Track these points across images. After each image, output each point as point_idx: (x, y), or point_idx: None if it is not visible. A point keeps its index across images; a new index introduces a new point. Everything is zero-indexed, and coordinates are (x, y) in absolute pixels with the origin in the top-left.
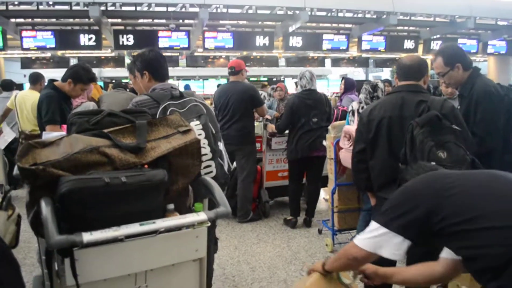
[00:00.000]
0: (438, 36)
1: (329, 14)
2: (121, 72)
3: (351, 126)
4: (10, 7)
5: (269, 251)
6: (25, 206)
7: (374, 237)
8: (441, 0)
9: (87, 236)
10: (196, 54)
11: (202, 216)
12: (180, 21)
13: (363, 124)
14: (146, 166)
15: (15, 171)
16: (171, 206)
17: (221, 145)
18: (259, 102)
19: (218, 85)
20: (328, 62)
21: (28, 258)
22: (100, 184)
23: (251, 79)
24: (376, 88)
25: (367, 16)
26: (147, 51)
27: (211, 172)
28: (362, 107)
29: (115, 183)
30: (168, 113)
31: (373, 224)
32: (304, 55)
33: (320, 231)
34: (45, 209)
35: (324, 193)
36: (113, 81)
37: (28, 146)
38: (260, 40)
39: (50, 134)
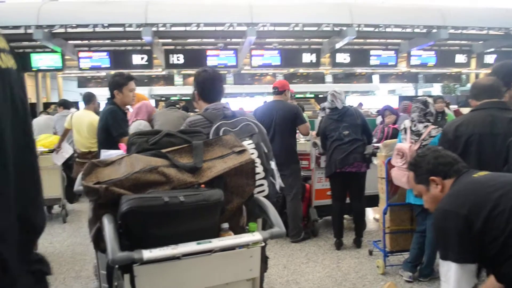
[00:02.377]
0: (492, 49)
1: (376, 30)
2: (171, 90)
3: (404, 144)
4: (69, 30)
5: (319, 271)
6: (87, 221)
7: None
8: (495, 12)
9: (147, 254)
10: (243, 71)
11: (257, 236)
12: (228, 40)
13: (448, 140)
14: (202, 185)
15: (76, 186)
16: (225, 225)
17: (272, 164)
18: (301, 120)
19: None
20: (375, 78)
21: (83, 270)
22: (160, 203)
23: (297, 95)
24: (427, 103)
25: (416, 30)
26: (200, 71)
27: (264, 191)
28: (415, 125)
29: (174, 202)
30: (220, 132)
31: (444, 264)
32: (351, 71)
33: (370, 252)
34: (108, 226)
35: (374, 213)
36: (163, 98)
37: (92, 165)
38: (307, 57)
39: (108, 152)
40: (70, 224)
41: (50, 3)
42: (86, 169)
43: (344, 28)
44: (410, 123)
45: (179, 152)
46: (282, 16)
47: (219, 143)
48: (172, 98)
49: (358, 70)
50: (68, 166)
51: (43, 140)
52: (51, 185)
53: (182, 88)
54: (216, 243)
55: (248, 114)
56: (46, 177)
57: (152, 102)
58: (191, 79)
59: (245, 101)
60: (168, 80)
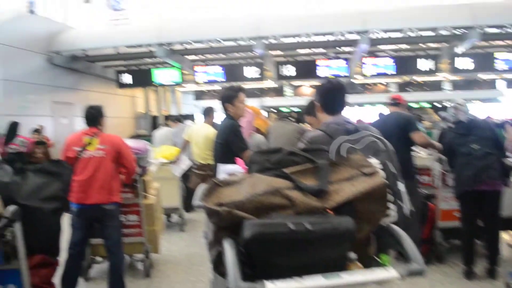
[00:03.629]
0: None
1: (502, 31)
2: (281, 101)
3: None
4: (186, 46)
5: None
6: (208, 243)
7: None
8: None
9: (270, 286)
10: (353, 81)
11: (392, 272)
12: (339, 49)
13: None
14: (329, 211)
15: (195, 201)
16: (353, 255)
17: (401, 186)
18: (412, 127)
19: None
20: (500, 83)
21: (199, 282)
22: (285, 230)
23: (411, 104)
24: None
25: None
26: (324, 82)
27: (391, 216)
28: None
29: (300, 230)
30: (342, 149)
31: None
32: (473, 77)
33: (508, 286)
34: (229, 252)
35: (510, 238)
36: (274, 110)
37: (213, 185)
38: (424, 64)
39: (225, 167)
40: (188, 233)
41: (169, 23)
42: (207, 189)
43: (465, 31)
44: None
45: (302, 172)
46: (395, 22)
47: (346, 163)
48: (282, 109)
49: (481, 76)
50: (185, 176)
51: (165, 151)
52: (170, 195)
53: (292, 99)
54: (346, 278)
55: (372, 129)
56: (165, 187)
57: (264, 114)
58: (301, 89)
59: (354, 111)
60: (278, 92)
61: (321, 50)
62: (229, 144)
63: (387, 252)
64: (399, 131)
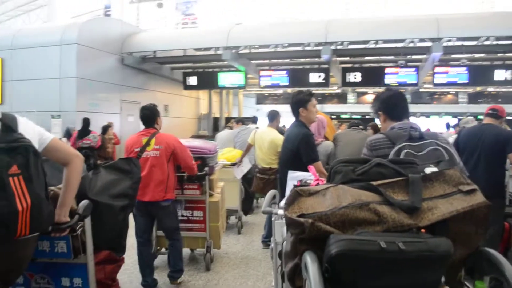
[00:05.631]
0: None
1: None
2: (343, 108)
3: None
4: (252, 50)
5: None
6: (283, 255)
7: None
8: None
9: None
10: (421, 90)
11: None
12: (409, 56)
13: None
14: (423, 230)
15: (264, 207)
16: (442, 279)
17: None
18: None
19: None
20: None
21: (256, 287)
22: (375, 248)
23: (481, 117)
24: None
25: None
26: (384, 90)
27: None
28: None
29: (392, 249)
30: (402, 155)
31: None
32: None
33: None
34: (312, 267)
35: None
36: (333, 116)
37: (295, 194)
38: (500, 74)
39: (295, 174)
40: (244, 236)
41: (237, 27)
42: (289, 198)
43: None
44: None
45: (391, 186)
46: (471, 29)
47: (440, 178)
48: (342, 116)
49: None
50: (246, 180)
51: (227, 154)
52: (230, 197)
53: (354, 106)
54: None
55: (440, 137)
56: (226, 188)
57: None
58: (365, 97)
59: (419, 121)
60: (341, 98)
61: (390, 57)
62: (299, 152)
63: (482, 278)
64: (497, 148)
